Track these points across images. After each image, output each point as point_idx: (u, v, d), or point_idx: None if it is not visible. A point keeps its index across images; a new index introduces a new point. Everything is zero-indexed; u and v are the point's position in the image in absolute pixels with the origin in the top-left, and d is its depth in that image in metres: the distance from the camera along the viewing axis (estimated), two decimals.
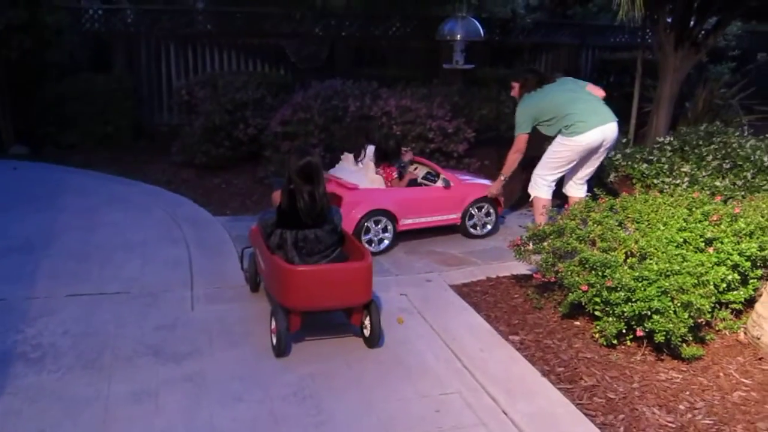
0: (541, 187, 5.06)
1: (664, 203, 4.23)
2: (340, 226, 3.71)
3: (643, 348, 3.52)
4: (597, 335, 3.61)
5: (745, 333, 3.71)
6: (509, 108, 5.20)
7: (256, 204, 6.29)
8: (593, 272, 3.55)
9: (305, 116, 6.65)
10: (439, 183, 5.43)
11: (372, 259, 3.50)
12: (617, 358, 3.47)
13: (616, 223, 4.00)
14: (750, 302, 3.77)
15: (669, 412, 3.01)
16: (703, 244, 3.75)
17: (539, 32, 11.17)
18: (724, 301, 3.69)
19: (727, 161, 5.90)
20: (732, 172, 5.80)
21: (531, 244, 4.19)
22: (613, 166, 6.49)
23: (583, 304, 3.61)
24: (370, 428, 2.81)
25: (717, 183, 5.58)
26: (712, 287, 3.45)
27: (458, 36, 7.82)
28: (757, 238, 3.82)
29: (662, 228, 3.86)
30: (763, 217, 4.00)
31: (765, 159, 5.77)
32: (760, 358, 3.51)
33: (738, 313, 3.80)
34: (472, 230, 5.49)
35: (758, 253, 3.71)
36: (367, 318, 3.48)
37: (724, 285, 3.59)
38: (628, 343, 3.56)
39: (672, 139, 6.58)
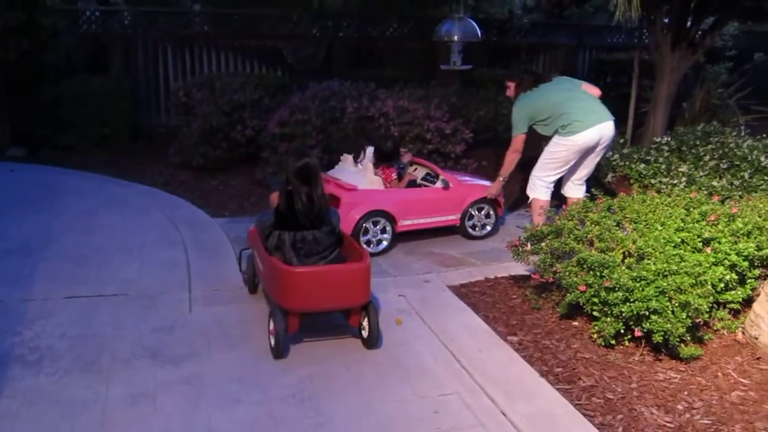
0: (539, 189, 5.05)
1: (662, 203, 4.23)
2: (338, 228, 3.70)
3: (641, 348, 3.52)
4: (595, 335, 3.61)
5: (743, 333, 3.71)
6: (507, 109, 5.19)
7: (254, 205, 6.29)
8: (591, 272, 3.55)
9: (303, 117, 6.65)
10: (439, 184, 5.43)
11: (370, 260, 3.50)
12: (615, 358, 3.47)
13: (614, 224, 4.00)
14: (748, 302, 3.78)
15: (667, 412, 3.01)
16: (701, 244, 3.76)
17: (536, 33, 11.18)
18: (722, 301, 3.69)
19: (724, 161, 5.91)
20: (729, 172, 5.81)
21: (529, 245, 4.19)
22: (611, 166, 6.50)
23: (582, 304, 3.61)
24: (369, 429, 2.81)
25: (714, 183, 5.58)
26: (709, 287, 3.46)
27: (455, 37, 7.82)
28: (755, 237, 3.83)
29: (660, 228, 3.87)
30: (760, 216, 4.01)
31: (762, 159, 5.78)
32: (758, 358, 3.52)
33: (736, 313, 3.81)
34: (471, 231, 5.49)
35: (756, 252, 3.71)
36: (366, 319, 3.48)
37: (722, 285, 3.59)
38: (627, 343, 3.56)
39: (669, 139, 6.59)
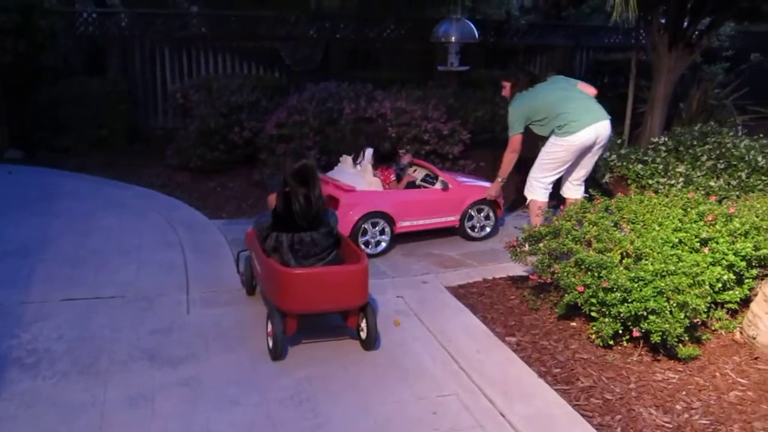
0: (537, 190, 5.04)
1: (660, 204, 4.24)
2: (335, 229, 3.70)
3: (639, 348, 3.52)
4: (593, 336, 3.61)
5: (741, 332, 3.71)
6: (504, 110, 5.19)
7: (251, 207, 6.29)
8: (589, 273, 3.55)
9: (300, 119, 6.64)
10: (438, 185, 5.43)
11: (368, 262, 3.49)
12: (614, 358, 3.48)
13: (612, 224, 4.00)
14: (745, 302, 3.78)
15: (666, 412, 3.01)
16: (699, 244, 3.76)
17: (533, 34, 11.20)
18: (719, 301, 3.69)
19: (721, 161, 5.92)
20: (726, 172, 5.82)
21: (527, 246, 4.19)
22: (608, 166, 6.51)
23: (580, 305, 3.61)
24: (367, 431, 2.81)
25: (711, 183, 5.59)
26: (707, 287, 3.46)
27: (453, 38, 7.83)
28: (752, 237, 3.83)
29: (657, 228, 3.87)
30: (757, 216, 4.02)
31: (759, 159, 5.79)
32: (756, 358, 3.52)
33: (734, 313, 3.81)
34: (470, 232, 5.49)
35: (753, 252, 3.72)
36: (364, 320, 3.48)
37: (720, 285, 3.59)
38: (625, 343, 3.56)
39: (666, 139, 6.60)
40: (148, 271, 4.49)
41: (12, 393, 2.98)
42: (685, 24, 7.03)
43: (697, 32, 7.12)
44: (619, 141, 7.17)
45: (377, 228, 5.06)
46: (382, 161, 5.40)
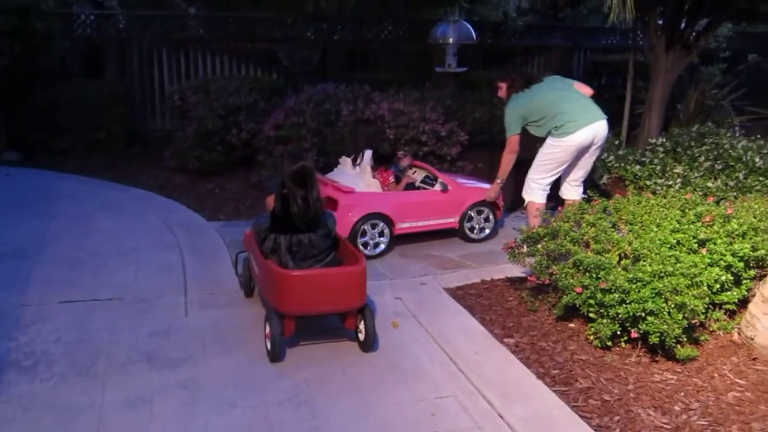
0: (535, 192, 5.03)
1: (657, 205, 4.24)
2: (334, 231, 3.70)
3: (637, 349, 3.53)
4: (591, 337, 3.61)
5: (738, 333, 3.72)
6: (502, 111, 5.18)
7: (249, 209, 6.28)
8: (587, 274, 3.56)
9: (298, 120, 6.64)
10: (437, 187, 5.43)
11: (366, 263, 3.50)
12: (612, 359, 3.48)
13: (610, 225, 4.01)
14: (743, 303, 3.79)
15: (664, 413, 3.01)
16: (697, 245, 3.76)
17: (531, 35, 11.21)
18: (717, 301, 3.70)
19: (719, 162, 5.92)
20: (724, 173, 5.83)
21: (525, 247, 4.19)
22: (606, 167, 6.51)
23: (578, 306, 3.61)
24: None
25: (709, 184, 5.60)
26: (705, 288, 3.46)
27: (450, 39, 7.84)
28: (750, 238, 3.84)
29: (655, 229, 3.87)
30: (755, 217, 4.03)
31: (756, 159, 5.80)
32: (754, 359, 3.52)
33: (732, 314, 3.82)
34: (470, 234, 5.48)
35: (751, 253, 3.72)
36: (362, 322, 3.48)
37: (718, 286, 3.59)
38: (623, 344, 3.57)
39: (664, 140, 6.60)
40: (146, 273, 4.48)
41: (9, 396, 2.98)
42: (683, 25, 7.04)
43: (694, 33, 7.13)
44: (616, 142, 7.18)
45: (376, 230, 5.06)
46: (381, 162, 5.40)
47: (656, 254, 3.59)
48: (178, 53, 9.41)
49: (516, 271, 4.54)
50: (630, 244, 3.73)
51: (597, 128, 4.83)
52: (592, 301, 3.51)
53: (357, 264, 3.47)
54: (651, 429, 2.90)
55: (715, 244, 3.75)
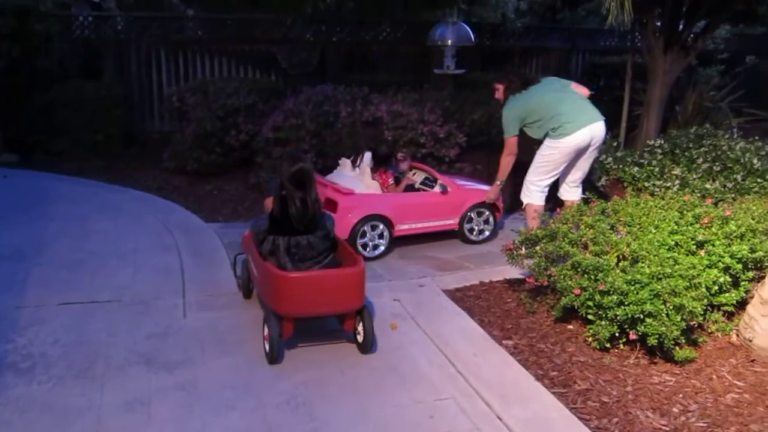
0: (533, 194, 5.02)
1: (656, 206, 4.24)
2: (332, 232, 3.70)
3: (636, 351, 3.53)
4: (590, 339, 3.61)
5: (737, 335, 3.72)
6: (500, 113, 5.19)
7: (248, 210, 6.28)
8: (586, 276, 3.56)
9: (297, 122, 6.64)
10: (437, 188, 5.43)
11: (364, 265, 3.49)
12: (610, 361, 3.48)
13: (608, 227, 4.01)
14: (742, 304, 3.79)
15: (663, 415, 3.01)
16: (695, 246, 3.77)
17: (529, 36, 11.22)
18: (716, 303, 3.70)
19: (717, 164, 5.93)
20: (722, 175, 5.83)
21: (524, 249, 4.19)
22: (605, 169, 6.51)
23: (576, 307, 3.61)
24: None
25: (707, 185, 5.60)
26: (704, 290, 3.47)
27: (449, 41, 7.83)
28: (748, 240, 3.84)
29: (654, 231, 3.88)
30: (753, 219, 4.03)
31: (754, 161, 5.81)
32: (752, 360, 3.52)
33: (730, 315, 3.82)
34: (469, 236, 5.48)
35: (749, 255, 3.73)
36: (360, 324, 3.48)
37: (716, 287, 3.60)
38: (621, 346, 3.57)
39: (662, 142, 6.60)
40: (144, 275, 4.48)
41: (7, 398, 2.97)
42: (681, 27, 7.05)
43: (692, 35, 7.14)
44: (615, 144, 7.18)
45: (376, 231, 5.05)
46: (379, 164, 5.40)
47: (654, 256, 3.60)
48: (177, 55, 9.42)
49: (514, 272, 4.54)
50: (628, 245, 3.73)
51: (595, 129, 4.83)
52: (590, 303, 3.51)
53: (355, 266, 3.47)
54: (649, 431, 2.89)
55: (713, 245, 3.76)
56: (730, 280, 3.66)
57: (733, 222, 3.94)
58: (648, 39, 7.09)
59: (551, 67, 11.20)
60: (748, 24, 9.51)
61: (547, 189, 5.04)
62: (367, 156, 5.44)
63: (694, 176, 5.86)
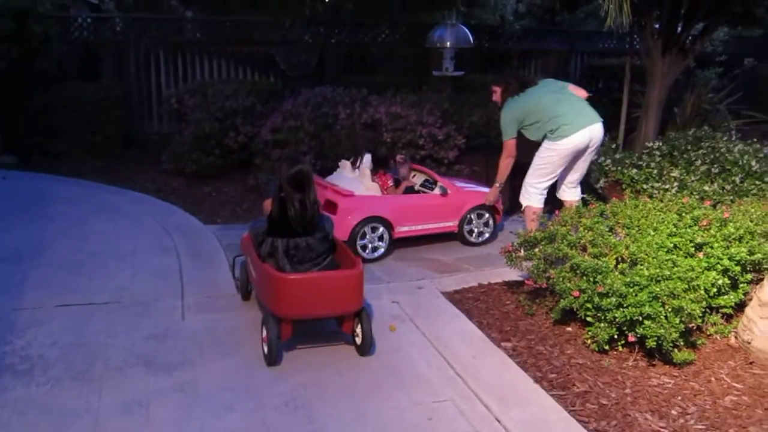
0: (532, 196, 5.03)
1: (654, 208, 4.25)
2: (331, 234, 3.70)
3: (634, 353, 3.53)
4: (589, 341, 3.61)
5: (735, 337, 3.72)
6: (499, 115, 5.20)
7: (246, 212, 6.28)
8: (584, 278, 3.56)
9: (295, 124, 6.64)
10: (437, 190, 5.43)
11: (363, 267, 3.49)
12: (609, 363, 3.48)
13: (607, 229, 4.01)
14: (740, 306, 3.79)
15: (661, 417, 3.01)
16: (693, 249, 3.77)
17: (528, 39, 11.24)
18: (714, 305, 3.70)
19: (715, 166, 5.93)
20: (720, 177, 5.83)
21: (522, 251, 4.19)
22: (603, 171, 6.51)
23: (575, 310, 3.61)
24: None
25: (706, 188, 5.60)
26: (702, 292, 3.47)
27: (448, 43, 7.84)
28: (747, 242, 3.84)
29: (652, 233, 3.88)
30: (752, 221, 4.03)
31: (753, 163, 5.80)
32: (751, 362, 3.52)
33: (729, 318, 3.82)
34: (469, 238, 5.49)
35: (748, 257, 3.73)
36: (359, 326, 3.47)
37: (715, 289, 3.60)
38: (620, 348, 3.57)
39: (661, 144, 6.60)
40: (143, 277, 4.47)
41: (5, 400, 2.96)
42: (679, 29, 7.06)
43: (690, 37, 7.15)
44: (613, 146, 7.18)
45: (376, 233, 5.05)
46: (378, 165, 5.41)
47: (653, 258, 3.60)
48: (176, 56, 9.42)
49: (513, 274, 4.54)
50: (627, 247, 3.73)
51: (593, 131, 4.84)
52: (589, 305, 3.51)
53: (354, 267, 3.47)
54: None
55: (712, 248, 3.76)
56: (728, 282, 3.66)
57: (731, 224, 3.94)
58: (646, 41, 7.10)
59: (550, 69, 11.22)
60: (746, 26, 9.53)
61: (545, 191, 5.04)
62: (367, 158, 5.44)
63: (693, 178, 5.86)
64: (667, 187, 5.76)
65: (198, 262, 4.79)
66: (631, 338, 3.37)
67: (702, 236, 3.83)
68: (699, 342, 3.63)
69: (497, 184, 5.27)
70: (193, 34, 9.63)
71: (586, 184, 5.48)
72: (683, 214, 4.12)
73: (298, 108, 6.82)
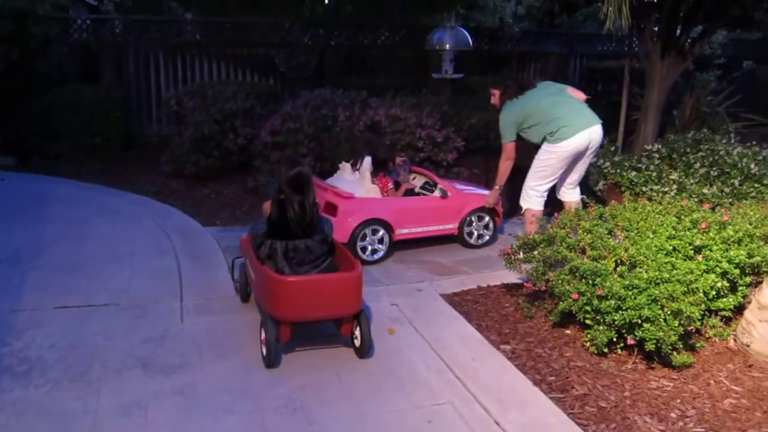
0: (533, 199, 5.03)
1: (653, 211, 4.25)
2: (330, 236, 3.70)
3: (633, 356, 3.53)
4: (588, 344, 3.61)
5: (734, 340, 3.72)
6: (498, 117, 5.20)
7: (245, 214, 6.28)
8: (583, 281, 3.56)
9: (295, 126, 6.64)
10: (437, 193, 5.43)
11: (362, 269, 3.49)
12: (608, 366, 3.48)
13: (606, 232, 4.01)
14: (739, 309, 3.79)
15: (660, 420, 3.01)
16: (692, 251, 3.77)
17: (527, 41, 11.25)
18: (713, 308, 3.70)
19: (714, 168, 5.93)
20: (719, 180, 5.83)
21: (521, 253, 4.19)
22: (602, 174, 6.52)
23: (574, 312, 3.61)
24: None
25: (705, 190, 5.61)
26: (701, 295, 3.47)
27: (447, 45, 7.85)
28: (746, 245, 3.84)
29: (651, 236, 3.88)
30: (751, 224, 4.03)
31: (752, 166, 5.81)
32: (749, 365, 3.52)
33: (727, 320, 3.82)
34: (469, 240, 5.49)
35: (747, 260, 3.73)
36: (358, 328, 3.47)
37: (714, 292, 3.60)
38: (619, 351, 3.56)
39: (660, 146, 6.61)
40: (141, 279, 4.47)
41: (3, 402, 2.96)
42: (678, 32, 7.07)
43: (689, 40, 7.16)
44: (612, 148, 7.19)
45: (376, 236, 5.05)
46: (378, 168, 5.41)
47: (652, 261, 3.60)
48: (175, 58, 9.42)
49: (512, 277, 4.54)
50: (626, 250, 3.73)
51: (592, 133, 4.84)
52: (588, 308, 3.51)
53: (353, 270, 3.47)
54: None
55: (711, 250, 3.76)
56: (727, 285, 3.66)
57: (730, 227, 3.94)
58: (645, 44, 7.11)
59: (549, 71, 11.23)
60: (744, 29, 9.55)
61: (546, 194, 5.04)
62: (367, 160, 5.44)
63: (692, 181, 5.87)
64: (666, 189, 5.77)
65: (197, 264, 4.79)
66: (630, 341, 3.37)
67: (701, 239, 3.83)
68: (698, 345, 3.63)
69: (497, 187, 5.27)
70: (193, 35, 9.64)
71: (585, 186, 5.48)
72: (682, 217, 4.12)
73: (297, 110, 6.82)
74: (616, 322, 3.36)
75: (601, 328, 3.47)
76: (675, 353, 3.38)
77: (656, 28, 7.08)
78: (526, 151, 5.22)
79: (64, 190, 6.73)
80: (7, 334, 3.58)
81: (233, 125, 7.25)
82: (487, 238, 5.55)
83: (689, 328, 3.47)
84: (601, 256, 3.76)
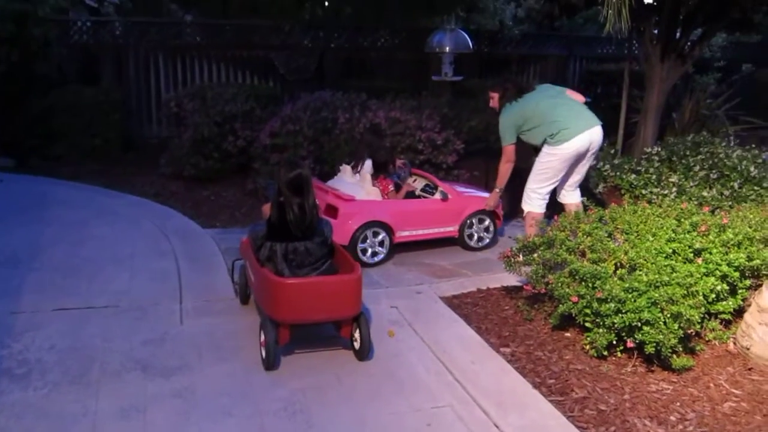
0: (534, 201, 5.02)
1: (653, 214, 4.25)
2: (330, 238, 3.69)
3: (633, 359, 3.52)
4: (587, 347, 3.61)
5: (734, 343, 3.72)
6: (498, 119, 5.20)
7: (245, 216, 6.28)
8: (583, 283, 3.55)
9: (294, 128, 6.64)
10: (437, 195, 5.43)
11: (361, 272, 3.49)
12: (608, 369, 3.47)
13: (606, 234, 4.01)
14: (739, 312, 3.79)
15: (660, 423, 3.01)
16: (692, 254, 3.77)
17: (527, 44, 11.26)
18: (713, 311, 3.70)
19: (714, 171, 5.94)
20: (719, 182, 5.83)
21: (521, 256, 4.19)
22: (602, 176, 6.52)
23: (574, 315, 3.61)
24: None
25: (704, 193, 5.61)
26: (701, 298, 3.47)
27: (447, 48, 7.85)
28: (745, 248, 3.84)
29: (651, 239, 3.88)
30: (750, 227, 4.03)
31: (751, 169, 5.81)
32: (749, 369, 3.52)
33: (727, 324, 3.82)
34: (469, 242, 5.48)
35: (746, 263, 3.73)
36: (357, 331, 3.47)
37: (713, 295, 3.60)
38: (619, 354, 3.56)
39: (659, 149, 6.61)
40: (141, 281, 4.46)
41: (2, 404, 2.95)
42: (678, 35, 7.08)
43: (689, 43, 7.17)
44: (612, 151, 7.19)
45: (377, 238, 5.05)
46: (378, 170, 5.41)
47: (652, 264, 3.60)
48: (175, 60, 9.43)
49: (512, 280, 4.54)
50: (626, 253, 3.73)
51: (593, 134, 4.84)
52: (588, 311, 3.51)
53: (352, 272, 3.47)
54: None
55: (710, 253, 3.76)
56: (727, 288, 3.66)
57: (730, 230, 3.94)
58: (645, 47, 7.12)
59: (549, 74, 11.25)
60: (744, 32, 9.56)
61: (548, 196, 5.03)
62: (368, 163, 5.44)
63: (691, 184, 5.87)
64: (665, 192, 5.77)
65: (196, 266, 4.78)
66: (630, 344, 3.37)
67: (701, 242, 3.83)
68: (698, 348, 3.63)
69: (497, 189, 5.27)
70: (193, 37, 9.65)
71: (585, 189, 5.48)
72: (682, 220, 4.12)
73: (297, 112, 6.82)
74: (615, 325, 3.35)
75: (600, 331, 3.47)
76: (675, 356, 3.38)
77: (656, 31, 7.08)
78: (526, 153, 5.22)
79: (63, 192, 6.72)
80: (6, 336, 3.58)
81: (233, 127, 7.25)
82: (488, 240, 5.55)
83: (689, 331, 3.47)
84: (601, 259, 3.76)
